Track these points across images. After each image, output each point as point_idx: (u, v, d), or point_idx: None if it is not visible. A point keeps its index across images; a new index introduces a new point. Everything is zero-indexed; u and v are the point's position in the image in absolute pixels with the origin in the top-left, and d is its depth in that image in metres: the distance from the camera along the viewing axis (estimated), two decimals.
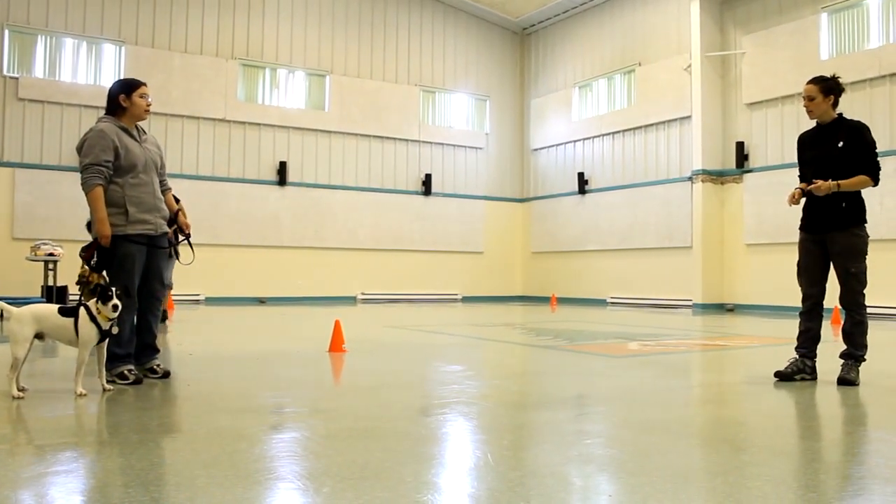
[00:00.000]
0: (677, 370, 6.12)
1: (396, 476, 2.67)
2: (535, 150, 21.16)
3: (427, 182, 19.73)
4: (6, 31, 15.26)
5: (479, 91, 20.93)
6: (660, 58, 17.38)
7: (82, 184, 4.72)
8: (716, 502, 2.41)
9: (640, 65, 17.92)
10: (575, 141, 19.78)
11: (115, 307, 4.27)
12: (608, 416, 3.96)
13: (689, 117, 16.48)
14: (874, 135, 5.11)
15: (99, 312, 4.32)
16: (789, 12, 15.09)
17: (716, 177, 16.03)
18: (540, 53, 21.15)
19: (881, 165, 5.05)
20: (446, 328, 10.34)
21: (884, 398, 4.62)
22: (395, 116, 19.41)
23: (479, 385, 5.07)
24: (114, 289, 4.32)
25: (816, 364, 5.19)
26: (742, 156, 15.63)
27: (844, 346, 5.11)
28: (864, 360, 5.08)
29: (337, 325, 7.02)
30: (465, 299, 19.81)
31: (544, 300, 19.44)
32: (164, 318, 7.96)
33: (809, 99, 5.08)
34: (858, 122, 5.06)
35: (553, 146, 20.55)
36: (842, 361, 5.07)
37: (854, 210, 5.04)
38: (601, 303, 18.21)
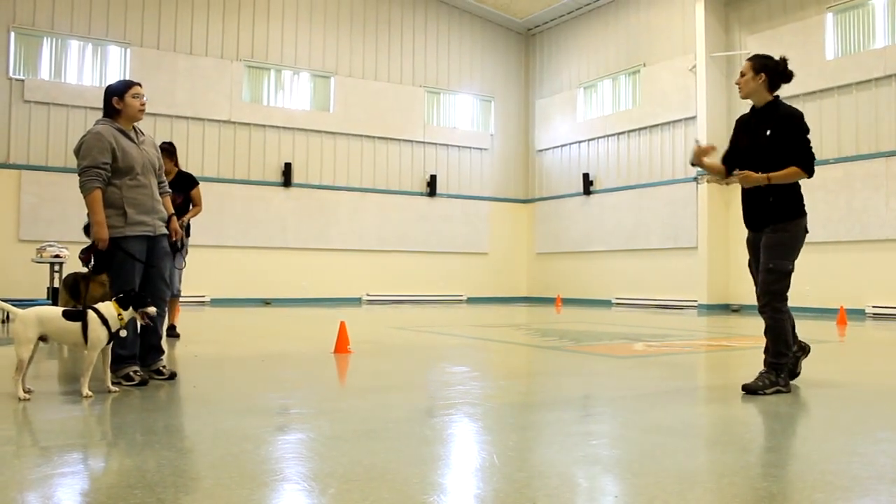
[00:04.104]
0: (683, 371, 6.10)
1: (402, 477, 2.67)
2: (540, 150, 21.15)
3: (432, 183, 19.73)
4: (12, 34, 15.32)
5: (483, 92, 20.93)
6: (664, 58, 17.36)
7: (80, 186, 4.75)
8: (722, 503, 2.41)
9: (644, 65, 17.90)
10: (580, 142, 19.76)
11: (150, 313, 4.50)
12: (614, 416, 3.95)
13: (694, 118, 16.46)
14: (880, 133, 5.00)
15: (120, 317, 4.34)
16: (794, 12, 15.06)
17: (721, 177, 15.97)
18: (544, 54, 21.15)
19: (815, 155, 4.64)
20: (451, 329, 10.33)
21: (890, 399, 4.60)
22: (400, 117, 19.42)
23: (485, 386, 5.06)
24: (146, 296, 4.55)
25: (804, 342, 5.02)
26: None
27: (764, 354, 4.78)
28: (784, 367, 4.64)
29: (342, 326, 7.02)
30: (470, 300, 19.81)
31: (549, 301, 19.42)
32: (174, 332, 7.95)
33: (741, 75, 4.76)
34: (792, 110, 4.64)
35: (558, 147, 20.54)
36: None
37: (783, 205, 4.60)
38: (606, 304, 18.19)
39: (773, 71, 4.65)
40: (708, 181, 15.87)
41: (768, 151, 4.59)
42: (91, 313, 4.32)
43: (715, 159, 5.03)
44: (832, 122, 14.09)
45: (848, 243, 13.61)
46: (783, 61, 4.69)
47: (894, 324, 11.74)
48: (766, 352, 4.72)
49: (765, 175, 4.54)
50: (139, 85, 5.00)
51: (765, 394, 4.52)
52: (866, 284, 13.33)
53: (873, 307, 13.24)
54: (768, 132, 4.59)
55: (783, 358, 4.65)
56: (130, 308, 4.42)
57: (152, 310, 4.50)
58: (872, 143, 13.53)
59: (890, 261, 13.12)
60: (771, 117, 4.64)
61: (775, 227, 4.62)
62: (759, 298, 4.70)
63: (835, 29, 14.49)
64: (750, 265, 4.98)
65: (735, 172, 4.70)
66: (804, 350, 5.06)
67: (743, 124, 4.91)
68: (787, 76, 4.68)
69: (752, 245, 4.90)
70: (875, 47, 13.81)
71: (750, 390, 4.55)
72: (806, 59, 14.58)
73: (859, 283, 13.41)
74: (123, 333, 4.50)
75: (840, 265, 13.56)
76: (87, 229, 4.91)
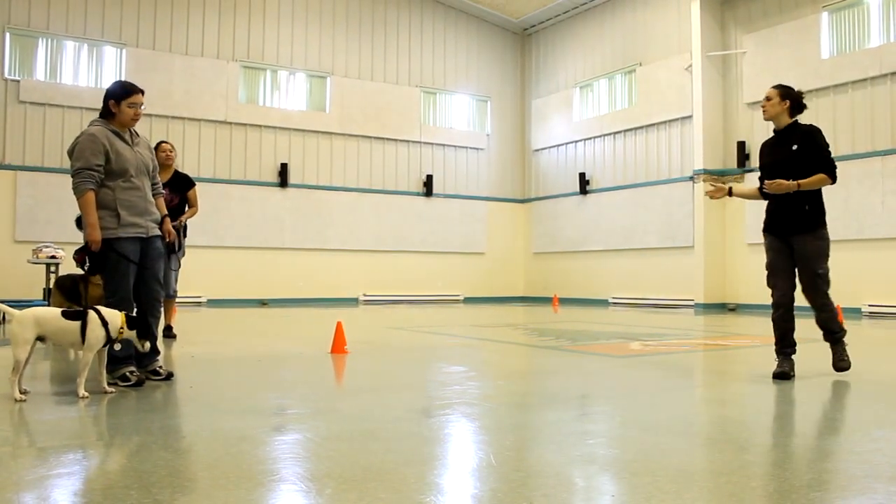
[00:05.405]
0: (679, 370, 6.11)
1: (399, 477, 2.67)
2: (537, 150, 21.15)
3: (428, 183, 19.73)
4: (7, 34, 15.28)
5: (479, 92, 20.93)
6: (660, 57, 17.37)
7: (74, 188, 4.75)
8: (719, 502, 2.41)
9: (640, 65, 17.91)
10: (576, 141, 19.77)
11: (151, 347, 4.69)
12: (611, 416, 3.96)
13: (690, 117, 16.47)
14: (876, 133, 5.24)
15: (121, 333, 4.35)
16: (790, 11, 15.08)
17: (717, 176, 16.01)
18: (541, 54, 21.15)
19: (836, 164, 5.21)
20: (448, 329, 10.33)
21: (886, 396, 4.61)
22: (396, 118, 19.41)
23: (482, 386, 5.07)
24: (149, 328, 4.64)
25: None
26: (743, 155, 15.62)
27: (824, 334, 5.34)
28: (845, 332, 5.32)
29: (339, 326, 7.01)
30: (467, 300, 19.81)
31: (546, 301, 19.43)
32: (171, 333, 7.95)
33: (767, 99, 5.31)
34: (811, 126, 5.27)
35: (554, 146, 20.54)
36: (830, 346, 5.33)
37: (817, 212, 5.20)
38: (603, 303, 18.20)
39: (795, 100, 5.27)
40: (703, 180, 15.90)
41: (796, 163, 5.15)
42: (92, 313, 4.31)
43: (743, 187, 5.80)
44: (828, 122, 14.09)
45: (844, 242, 13.60)
46: (801, 94, 5.33)
47: (891, 322, 11.76)
48: (827, 331, 5.27)
49: (795, 182, 5.07)
50: (141, 93, 4.93)
51: (848, 368, 5.20)
52: (863, 283, 13.34)
53: (870, 306, 13.26)
54: (794, 147, 5.18)
55: (842, 331, 5.27)
56: (134, 332, 4.43)
57: (147, 346, 4.57)
58: (868, 142, 13.55)
59: (886, 259, 13.15)
60: (794, 134, 5.25)
61: (813, 234, 5.18)
62: (814, 298, 5.23)
63: (830, 28, 14.51)
64: (770, 267, 5.33)
65: (766, 183, 5.21)
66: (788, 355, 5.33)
67: (768, 146, 5.47)
68: (803, 108, 5.33)
69: (777, 249, 5.32)
70: (870, 46, 13.83)
71: (841, 368, 5.20)
72: (801, 58, 14.60)
73: (856, 281, 13.42)
74: (118, 347, 4.53)
75: (836, 264, 13.40)
76: (79, 222, 4.91)
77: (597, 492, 2.60)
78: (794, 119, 5.30)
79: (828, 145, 5.20)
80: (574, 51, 19.96)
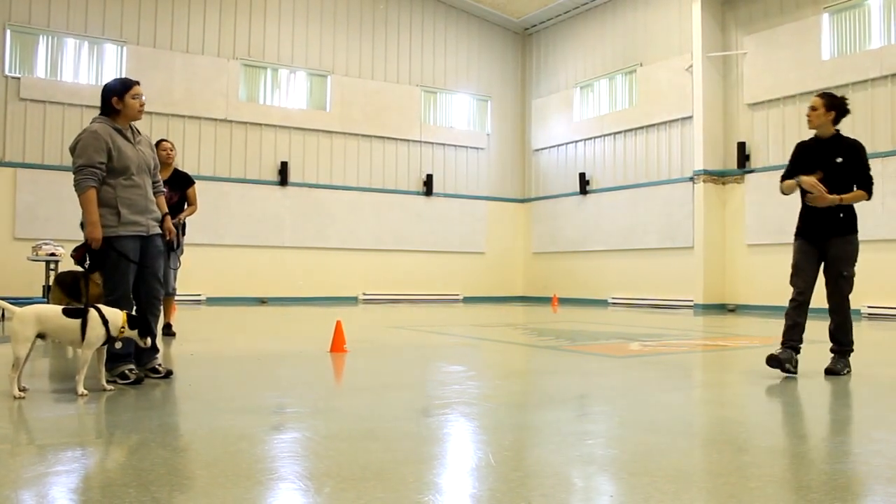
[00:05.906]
0: (679, 370, 6.11)
1: (398, 476, 2.67)
2: (537, 150, 21.15)
3: (428, 182, 19.73)
4: (8, 31, 15.27)
5: (480, 91, 20.93)
6: (661, 58, 17.37)
7: (75, 185, 4.74)
8: (717, 503, 2.41)
9: (641, 65, 17.91)
10: (576, 141, 19.77)
11: (151, 344, 4.67)
12: (610, 416, 3.96)
13: (690, 117, 16.47)
14: (876, 134, 5.29)
15: (122, 332, 4.35)
16: (791, 12, 15.08)
17: (717, 177, 16.02)
18: (541, 54, 21.15)
19: (873, 177, 5.42)
20: (448, 328, 10.33)
21: (885, 398, 4.62)
22: (397, 117, 19.41)
23: (481, 385, 5.07)
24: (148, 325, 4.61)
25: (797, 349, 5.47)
26: (743, 156, 15.63)
27: (832, 345, 5.47)
28: (853, 351, 5.46)
29: (338, 325, 7.01)
30: (467, 300, 19.81)
31: (545, 300, 19.43)
32: (170, 331, 7.95)
33: (812, 109, 5.39)
34: (856, 141, 5.42)
35: (554, 146, 20.54)
36: (832, 355, 5.46)
37: (851, 219, 5.36)
38: (602, 303, 18.20)
39: (840, 108, 5.38)
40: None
41: (838, 175, 5.29)
42: (92, 311, 4.31)
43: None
44: None
45: None
46: (846, 101, 5.44)
47: (890, 324, 11.77)
48: (836, 342, 5.42)
49: (838, 196, 5.22)
50: (138, 84, 4.97)
51: (844, 374, 5.30)
52: (862, 285, 13.26)
53: (869, 307, 13.25)
54: (839, 159, 5.31)
55: (851, 344, 5.42)
56: (136, 331, 4.43)
57: (149, 341, 4.58)
58: (868, 144, 13.39)
59: (886, 261, 13.14)
60: (839, 146, 5.38)
61: (846, 238, 5.34)
62: (833, 297, 5.41)
63: (831, 29, 14.51)
64: (796, 267, 5.44)
65: (808, 197, 5.29)
66: (796, 368, 5.32)
67: (807, 150, 5.56)
68: (847, 113, 5.43)
69: (806, 252, 5.44)
70: (871, 48, 13.83)
71: (832, 372, 5.29)
72: (802, 59, 14.60)
73: (855, 283, 13.40)
74: (118, 345, 4.52)
75: None
76: (83, 226, 4.91)
77: (595, 492, 2.60)
78: (837, 128, 5.41)
79: (868, 162, 5.37)
80: (575, 51, 19.96)
